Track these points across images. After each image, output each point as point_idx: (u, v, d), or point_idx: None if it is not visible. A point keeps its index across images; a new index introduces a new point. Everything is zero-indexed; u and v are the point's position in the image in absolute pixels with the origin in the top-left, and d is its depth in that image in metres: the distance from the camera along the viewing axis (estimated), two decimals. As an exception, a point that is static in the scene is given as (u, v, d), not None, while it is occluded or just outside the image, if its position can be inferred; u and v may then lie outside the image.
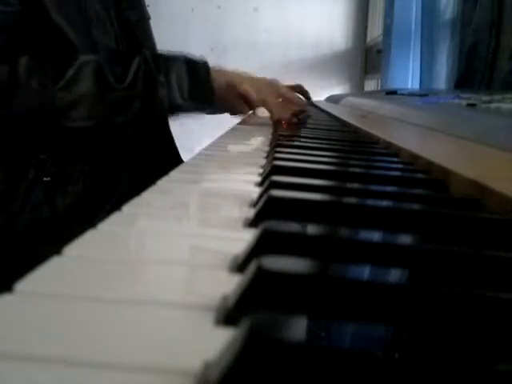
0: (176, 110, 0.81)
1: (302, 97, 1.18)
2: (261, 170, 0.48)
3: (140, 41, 0.92)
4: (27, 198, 0.77)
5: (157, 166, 0.70)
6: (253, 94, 0.86)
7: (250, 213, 0.32)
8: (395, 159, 0.52)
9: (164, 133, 0.97)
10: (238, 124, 0.99)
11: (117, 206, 0.32)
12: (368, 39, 3.00)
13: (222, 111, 0.96)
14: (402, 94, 1.12)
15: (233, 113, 0.97)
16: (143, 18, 0.97)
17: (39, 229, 0.77)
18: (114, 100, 0.76)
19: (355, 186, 0.40)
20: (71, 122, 0.75)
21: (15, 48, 0.75)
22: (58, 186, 0.78)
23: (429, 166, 0.44)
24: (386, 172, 0.45)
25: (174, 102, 0.79)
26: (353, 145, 0.66)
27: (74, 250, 0.25)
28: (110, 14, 0.85)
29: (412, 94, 1.07)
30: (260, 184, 0.42)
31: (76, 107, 0.74)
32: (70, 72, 0.74)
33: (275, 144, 0.61)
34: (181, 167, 0.51)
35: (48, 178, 0.77)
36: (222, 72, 0.85)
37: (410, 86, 2.00)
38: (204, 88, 0.81)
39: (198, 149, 0.64)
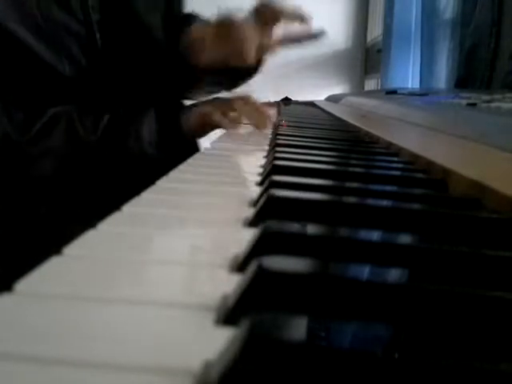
0: (146, 160, 0.79)
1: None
2: (261, 170, 0.48)
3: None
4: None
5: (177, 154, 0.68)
6: (223, 123, 0.81)
7: (250, 212, 0.32)
8: (395, 159, 0.52)
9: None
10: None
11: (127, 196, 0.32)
12: (368, 39, 3.00)
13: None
14: (402, 94, 1.12)
15: None
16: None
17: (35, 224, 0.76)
18: (84, 153, 0.74)
19: (355, 185, 0.40)
20: (38, 172, 0.73)
21: None
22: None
23: (429, 166, 0.44)
24: (386, 172, 0.45)
25: (144, 153, 0.77)
26: (353, 144, 0.66)
27: (74, 249, 0.25)
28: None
29: (412, 94, 1.07)
30: (260, 183, 0.42)
31: (43, 160, 0.72)
32: (39, 125, 0.72)
33: (275, 144, 0.61)
34: (181, 167, 0.51)
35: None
36: (192, 109, 0.81)
37: (410, 86, 2.00)
38: (174, 137, 0.79)
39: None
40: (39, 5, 0.74)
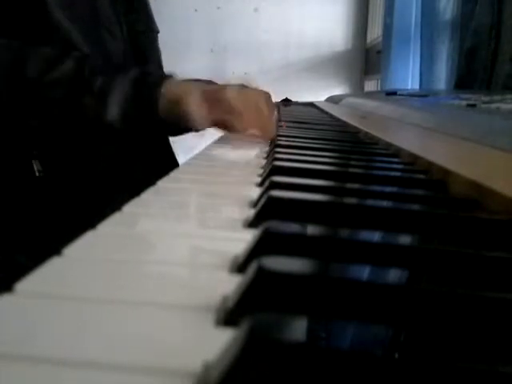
0: (110, 125, 0.68)
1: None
2: (261, 171, 0.48)
3: (144, 53, 0.91)
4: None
5: (152, 171, 0.67)
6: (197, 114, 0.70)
7: (250, 213, 0.32)
8: (395, 160, 0.52)
9: (160, 137, 0.95)
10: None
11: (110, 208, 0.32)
12: (368, 40, 3.01)
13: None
14: (402, 95, 1.12)
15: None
16: (150, 31, 0.96)
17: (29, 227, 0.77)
18: (22, 94, 0.66)
19: (355, 186, 0.40)
20: None
21: None
22: (48, 183, 0.77)
23: (429, 167, 0.44)
24: (386, 172, 0.45)
25: (105, 116, 0.67)
26: (353, 145, 0.66)
27: (74, 250, 0.25)
28: (120, 20, 0.83)
29: (412, 95, 1.07)
30: (260, 184, 0.42)
31: None
32: None
33: (275, 144, 0.61)
34: (181, 167, 0.51)
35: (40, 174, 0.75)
36: (171, 89, 0.69)
37: (409, 87, 2.00)
38: (145, 108, 0.69)
39: (198, 149, 0.64)
40: None
